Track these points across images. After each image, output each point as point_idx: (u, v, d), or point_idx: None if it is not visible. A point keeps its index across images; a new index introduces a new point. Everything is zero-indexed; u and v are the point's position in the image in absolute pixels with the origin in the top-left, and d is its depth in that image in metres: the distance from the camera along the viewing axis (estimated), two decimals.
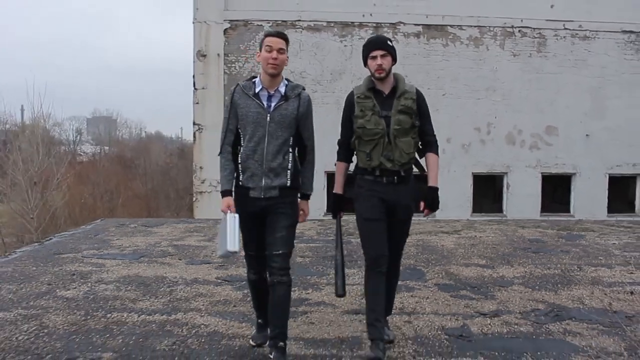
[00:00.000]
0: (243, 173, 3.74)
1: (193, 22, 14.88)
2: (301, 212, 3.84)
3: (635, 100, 14.91)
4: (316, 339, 4.11)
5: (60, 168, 18.07)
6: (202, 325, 4.34)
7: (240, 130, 3.75)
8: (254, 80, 3.77)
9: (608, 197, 15.16)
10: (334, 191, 4.08)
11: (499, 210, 14.82)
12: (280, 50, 3.64)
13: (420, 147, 3.99)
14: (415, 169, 3.98)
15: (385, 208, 3.85)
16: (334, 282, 3.88)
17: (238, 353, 3.82)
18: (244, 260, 3.98)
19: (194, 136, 15.42)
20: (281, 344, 3.65)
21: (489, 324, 4.46)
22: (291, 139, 3.75)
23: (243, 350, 3.90)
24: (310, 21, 14.62)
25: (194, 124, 15.31)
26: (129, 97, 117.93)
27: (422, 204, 3.92)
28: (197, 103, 15.07)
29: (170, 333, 4.20)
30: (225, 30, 14.74)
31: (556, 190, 15.69)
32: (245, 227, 3.74)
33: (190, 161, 31.70)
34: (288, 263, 3.72)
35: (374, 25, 14.50)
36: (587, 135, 15.09)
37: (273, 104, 3.69)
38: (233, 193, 3.74)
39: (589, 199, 14.98)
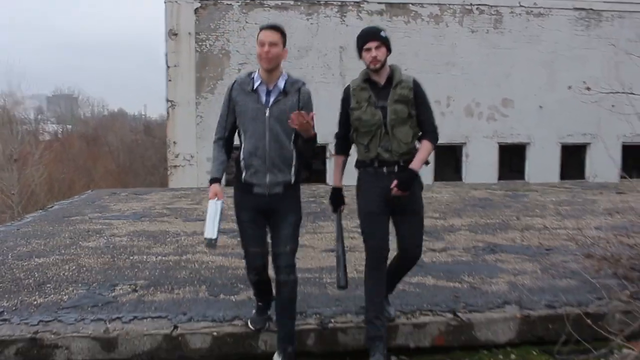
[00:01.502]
0: (246, 170, 3.76)
1: (165, 2, 15.73)
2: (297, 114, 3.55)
3: (586, 73, 16.39)
4: (301, 268, 5.34)
5: (39, 146, 18.97)
6: (209, 262, 5.58)
7: (239, 127, 3.78)
8: (252, 75, 3.78)
9: (561, 165, 16.71)
10: (332, 185, 4.15)
11: (459, 179, 16.22)
12: (271, 44, 3.60)
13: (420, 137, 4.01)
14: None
15: (386, 198, 3.87)
16: (336, 274, 3.94)
17: (243, 279, 5.03)
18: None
19: (167, 112, 16.36)
20: (290, 349, 3.76)
21: (438, 256, 5.80)
22: (293, 134, 3.74)
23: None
24: (278, 0, 15.69)
25: (167, 100, 16.22)
26: (91, 74, 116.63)
27: (394, 182, 3.83)
28: (170, 80, 16.00)
29: (185, 267, 5.43)
30: (195, 10, 15.67)
31: (512, 160, 17.16)
32: (248, 222, 3.79)
33: (156, 138, 32.64)
34: (294, 260, 3.77)
35: (339, 3, 15.63)
36: (540, 107, 16.51)
37: (272, 99, 3.70)
38: (235, 190, 3.85)
39: (542, 167, 16.45)
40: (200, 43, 15.75)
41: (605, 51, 15.41)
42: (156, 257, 5.78)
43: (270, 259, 3.82)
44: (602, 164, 14.91)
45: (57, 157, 22.27)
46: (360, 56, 3.93)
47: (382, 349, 3.78)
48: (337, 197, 4.10)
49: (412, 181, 3.84)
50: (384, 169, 3.88)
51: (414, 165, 3.87)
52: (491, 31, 16.10)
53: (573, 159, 16.84)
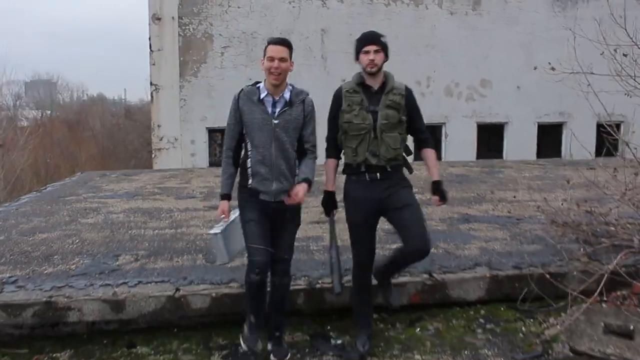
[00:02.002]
0: (253, 177, 3.91)
1: None
2: (294, 193, 3.87)
3: (562, 54, 16.88)
4: None
5: (24, 131, 19.22)
6: (204, 234, 6.02)
7: (246, 136, 3.93)
8: (258, 85, 3.94)
9: (538, 144, 17.27)
10: (325, 189, 4.18)
11: (438, 158, 16.71)
12: (282, 59, 3.79)
13: (415, 144, 4.19)
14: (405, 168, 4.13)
15: (375, 208, 3.99)
16: (331, 280, 4.09)
17: None
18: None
19: (152, 96, 16.61)
20: (277, 334, 4.08)
21: None
22: (296, 143, 3.96)
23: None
24: None
25: (151, 84, 16.46)
26: (69, 59, 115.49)
27: (434, 199, 4.18)
28: (154, 64, 16.24)
29: (181, 239, 5.88)
30: None
31: (491, 139, 17.70)
32: (254, 221, 3.89)
33: (137, 122, 32.79)
34: (290, 265, 4.05)
35: None
36: (518, 87, 17.02)
37: (277, 110, 3.87)
38: (240, 193, 4.00)
39: (519, 146, 16.97)
40: (183, 27, 15.97)
41: (581, 32, 15.91)
42: (153, 231, 6.22)
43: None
44: (578, 142, 15.44)
45: (41, 142, 22.50)
46: (357, 58, 4.02)
47: (368, 333, 4.13)
48: (329, 201, 4.17)
49: (443, 188, 4.16)
50: (367, 176, 3.98)
51: (436, 177, 4.16)
52: (470, 13, 16.49)
53: (550, 138, 17.38)
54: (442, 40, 16.18)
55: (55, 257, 5.29)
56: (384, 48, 3.98)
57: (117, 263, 5.09)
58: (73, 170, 18.56)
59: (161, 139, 16.32)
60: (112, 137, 30.44)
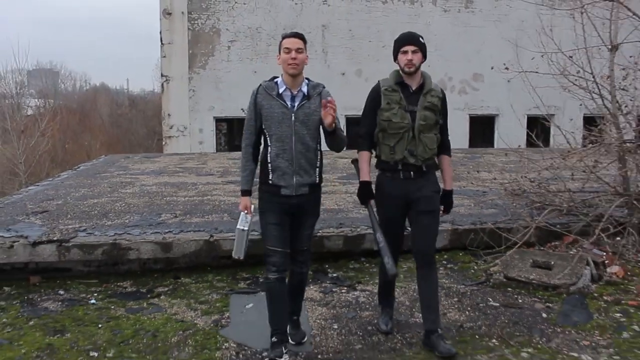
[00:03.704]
0: (273, 172, 4.03)
1: None
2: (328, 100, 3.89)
3: (549, 49, 18.36)
4: None
5: (44, 118, 20.88)
6: (226, 200, 7.58)
7: (265, 131, 4.06)
8: (275, 80, 4.08)
9: (527, 134, 18.74)
10: (361, 179, 4.29)
11: None
12: (298, 50, 3.96)
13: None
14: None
15: (404, 205, 4.21)
16: (385, 263, 4.12)
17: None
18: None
19: (162, 87, 18.18)
20: (295, 317, 4.36)
21: None
22: (318, 136, 4.09)
23: None
24: None
25: (162, 75, 18.03)
26: (71, 49, 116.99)
27: (442, 208, 4.34)
28: (164, 57, 17.80)
29: (208, 204, 7.45)
30: None
31: (484, 130, 19.20)
32: (273, 223, 4.06)
33: (141, 112, 34.38)
34: (310, 255, 4.32)
35: None
36: (508, 81, 18.46)
37: (297, 104, 4.00)
38: (261, 192, 4.14)
39: (510, 136, 18.45)
40: (192, 22, 17.47)
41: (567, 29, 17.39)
42: (184, 198, 7.79)
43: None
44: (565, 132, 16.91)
45: (58, 129, 24.12)
46: (396, 58, 4.20)
47: (391, 314, 4.62)
48: (366, 191, 4.29)
49: (452, 200, 4.41)
50: (401, 174, 4.17)
51: (449, 186, 4.38)
52: (462, 10, 17.99)
53: (539, 129, 18.84)
54: (437, 36, 17.59)
55: (110, 214, 6.85)
56: (422, 48, 4.14)
57: (160, 219, 6.65)
58: (87, 156, 20.13)
59: (171, 128, 17.84)
60: (119, 126, 32.07)
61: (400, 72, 4.19)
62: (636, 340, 4.38)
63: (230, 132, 19.47)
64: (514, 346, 4.29)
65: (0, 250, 5.67)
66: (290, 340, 4.28)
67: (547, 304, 5.05)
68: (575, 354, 4.15)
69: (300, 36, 4.05)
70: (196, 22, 17.50)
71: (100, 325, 4.74)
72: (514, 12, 18.18)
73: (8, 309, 5.13)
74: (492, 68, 12.30)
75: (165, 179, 9.42)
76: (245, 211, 4.19)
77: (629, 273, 5.63)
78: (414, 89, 4.17)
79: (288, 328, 4.27)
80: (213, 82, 17.42)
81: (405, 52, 4.11)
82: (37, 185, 9.15)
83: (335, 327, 4.66)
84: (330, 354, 4.20)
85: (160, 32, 17.60)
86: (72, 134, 25.92)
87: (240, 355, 4.21)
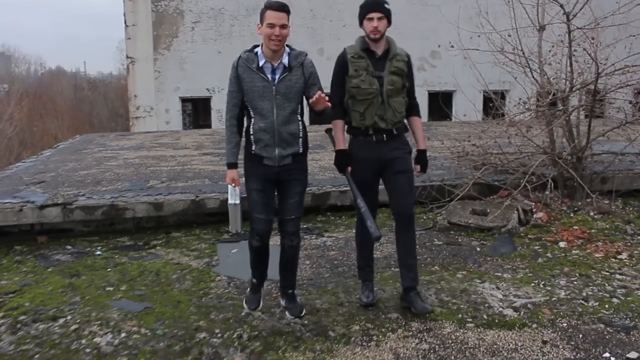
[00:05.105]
0: (256, 143, 4.14)
1: None
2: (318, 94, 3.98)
3: (500, 28, 19.70)
4: None
5: (10, 102, 21.58)
6: (205, 168, 8.66)
7: (247, 104, 4.14)
8: (255, 51, 4.09)
9: (483, 109, 20.12)
10: (336, 148, 4.46)
11: None
12: (282, 26, 3.94)
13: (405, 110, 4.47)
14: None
15: (378, 167, 4.40)
16: (367, 227, 4.22)
17: None
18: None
19: (127, 68, 19.10)
20: (290, 291, 4.50)
21: None
22: (299, 107, 4.17)
23: None
24: None
25: (127, 57, 18.95)
26: (27, 32, 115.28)
27: (416, 167, 4.57)
28: (129, 39, 18.68)
29: (189, 171, 8.53)
30: None
31: (442, 108, 20.49)
32: (257, 190, 4.18)
33: (103, 94, 35.04)
34: (299, 226, 4.38)
35: None
36: (465, 57, 19.80)
37: (277, 77, 4.04)
38: (245, 159, 4.26)
39: (467, 111, 19.85)
40: (156, 3, 18.33)
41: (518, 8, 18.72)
42: (166, 168, 8.86)
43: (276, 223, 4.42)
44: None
45: (26, 113, 24.77)
46: (361, 24, 4.31)
47: (372, 287, 4.75)
48: (343, 159, 4.46)
49: (426, 159, 4.62)
50: (374, 137, 4.35)
51: (422, 145, 4.59)
52: None
53: (494, 104, 20.21)
54: (395, 15, 18.33)
55: (103, 182, 7.90)
56: (387, 15, 4.26)
57: (149, 184, 7.72)
58: (55, 139, 20.93)
59: (137, 108, 18.74)
60: (81, 109, 32.71)
61: (366, 38, 4.33)
62: (547, 263, 5.66)
63: (195, 112, 20.44)
64: (451, 270, 5.53)
65: (11, 213, 6.67)
66: (288, 315, 4.47)
67: (482, 242, 6.31)
68: (499, 274, 5.40)
69: (285, 9, 4.03)
70: (159, 3, 18.36)
71: (109, 270, 5.82)
72: None
73: (25, 262, 6.15)
74: (439, 46, 13.47)
75: (144, 152, 10.45)
76: (233, 184, 4.29)
77: (552, 218, 6.92)
78: (379, 54, 4.33)
79: (285, 301, 4.51)
80: (178, 63, 18.35)
81: (371, 19, 4.22)
82: (24, 162, 10.09)
83: (308, 263, 5.82)
84: (305, 281, 5.35)
85: (124, 14, 18.41)
86: (38, 117, 26.57)
87: (231, 284, 5.33)
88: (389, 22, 4.31)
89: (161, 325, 4.48)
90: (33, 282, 5.52)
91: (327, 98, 4.02)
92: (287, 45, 4.16)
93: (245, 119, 4.29)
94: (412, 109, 4.54)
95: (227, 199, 4.40)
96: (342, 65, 4.39)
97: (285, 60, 4.12)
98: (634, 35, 7.40)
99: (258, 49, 4.14)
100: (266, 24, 3.98)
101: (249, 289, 4.62)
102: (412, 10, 18.96)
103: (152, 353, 4.07)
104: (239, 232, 4.78)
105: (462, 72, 19.48)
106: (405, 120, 4.56)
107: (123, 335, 4.34)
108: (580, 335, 4.19)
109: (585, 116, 8.26)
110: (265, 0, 4.11)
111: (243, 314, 4.59)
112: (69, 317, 4.66)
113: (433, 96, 19.57)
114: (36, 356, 4.09)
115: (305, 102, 4.31)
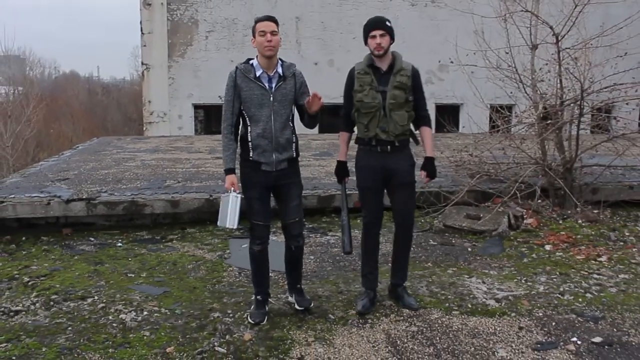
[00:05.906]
0: (254, 150, 4.38)
1: None
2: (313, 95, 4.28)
3: (498, 45, 20.26)
4: None
5: (29, 104, 22.33)
6: (218, 170, 9.19)
7: (244, 112, 4.39)
8: (251, 62, 4.36)
9: (490, 122, 20.68)
10: (338, 159, 4.82)
11: None
12: (273, 33, 4.22)
13: (414, 122, 4.72)
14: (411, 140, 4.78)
15: (382, 175, 4.63)
16: (341, 240, 4.69)
17: None
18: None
19: (143, 74, 19.74)
20: (298, 285, 4.79)
21: None
22: (291, 114, 4.45)
23: None
24: None
25: (142, 63, 19.58)
26: (41, 35, 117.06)
27: (422, 173, 4.78)
28: (145, 46, 19.33)
29: (203, 173, 9.14)
30: None
31: (452, 120, 21.04)
32: (256, 198, 4.45)
33: (116, 99, 35.82)
34: (303, 227, 4.63)
35: None
36: (472, 72, 20.37)
37: (274, 85, 4.33)
38: (242, 167, 4.49)
39: (473, 124, 20.39)
40: (171, 12, 18.97)
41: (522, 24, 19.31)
42: (182, 169, 9.47)
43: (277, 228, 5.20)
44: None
45: (44, 115, 25.48)
46: (366, 42, 4.55)
47: (373, 296, 4.89)
48: (341, 170, 4.84)
49: (434, 166, 4.79)
50: (379, 148, 4.58)
51: (430, 153, 4.79)
52: (429, 5, 19.73)
53: (502, 117, 20.75)
54: (405, 29, 19.19)
55: (123, 181, 8.51)
56: (389, 32, 4.50)
57: (166, 184, 8.33)
58: (71, 141, 21.65)
59: (151, 114, 19.36)
60: (95, 113, 33.49)
61: (371, 55, 4.56)
62: (532, 263, 6.21)
63: (207, 118, 21.05)
64: (442, 267, 6.10)
65: (40, 206, 7.29)
66: (297, 307, 4.78)
67: (474, 243, 6.88)
68: (486, 271, 5.96)
69: (273, 19, 4.33)
70: (175, 12, 18.99)
71: (130, 259, 6.41)
72: (477, 7, 19.44)
73: (52, 250, 6.76)
74: (439, 62, 14.01)
75: (161, 155, 11.07)
76: (232, 188, 4.49)
77: (541, 224, 7.48)
78: (384, 70, 4.53)
79: (294, 296, 4.81)
80: (191, 70, 18.98)
81: (374, 37, 4.45)
82: (47, 161, 10.73)
83: (312, 257, 6.40)
84: (309, 273, 5.92)
85: (141, 22, 19.06)
86: (54, 120, 27.33)
87: (242, 274, 5.90)
88: (392, 39, 4.55)
89: (179, 306, 5.06)
90: (61, 267, 6.11)
91: (321, 97, 4.32)
92: (279, 58, 4.46)
93: (241, 127, 4.55)
94: (421, 120, 4.78)
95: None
96: (349, 81, 4.69)
97: (280, 70, 4.44)
98: (620, 56, 7.97)
99: (253, 61, 4.43)
100: (258, 33, 4.29)
101: (253, 307, 4.78)
102: (422, 24, 19.49)
103: (172, 328, 4.63)
104: (234, 229, 5.09)
105: (469, 86, 20.39)
106: (417, 132, 4.83)
107: (145, 313, 4.91)
108: (553, 323, 4.72)
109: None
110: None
111: (252, 298, 4.99)
112: (96, 298, 5.25)
113: (441, 108, 20.14)
114: (69, 328, 4.65)
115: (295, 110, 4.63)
